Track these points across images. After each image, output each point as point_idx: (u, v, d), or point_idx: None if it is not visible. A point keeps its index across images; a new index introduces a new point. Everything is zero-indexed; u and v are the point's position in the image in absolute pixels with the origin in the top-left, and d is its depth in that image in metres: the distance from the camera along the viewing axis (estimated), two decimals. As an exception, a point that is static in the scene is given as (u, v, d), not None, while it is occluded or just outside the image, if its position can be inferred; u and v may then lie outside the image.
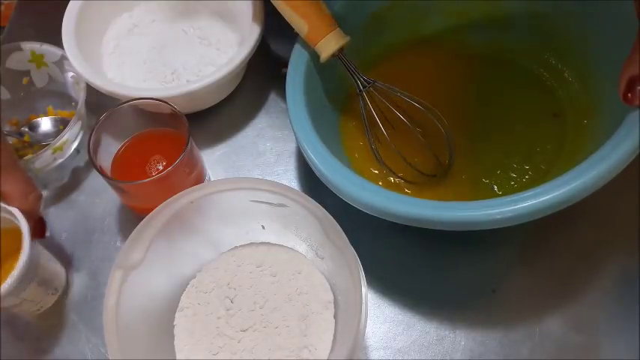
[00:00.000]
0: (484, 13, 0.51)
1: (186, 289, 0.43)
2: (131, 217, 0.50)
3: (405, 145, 0.46)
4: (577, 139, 0.46)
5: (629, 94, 0.34)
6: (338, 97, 0.51)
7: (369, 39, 0.51)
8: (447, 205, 0.37)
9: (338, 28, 0.45)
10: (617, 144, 0.35)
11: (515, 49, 0.52)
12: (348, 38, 0.45)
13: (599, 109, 0.45)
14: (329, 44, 0.44)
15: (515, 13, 0.51)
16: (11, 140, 0.54)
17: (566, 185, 0.35)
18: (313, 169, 0.42)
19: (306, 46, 0.46)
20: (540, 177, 0.45)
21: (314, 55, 0.46)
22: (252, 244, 0.45)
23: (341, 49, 0.45)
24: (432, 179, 0.46)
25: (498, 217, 0.35)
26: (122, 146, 0.48)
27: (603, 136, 0.43)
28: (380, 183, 0.47)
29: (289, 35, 0.60)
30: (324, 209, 0.37)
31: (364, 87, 0.46)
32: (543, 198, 0.35)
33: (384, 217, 0.39)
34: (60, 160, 0.51)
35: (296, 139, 0.43)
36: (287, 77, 0.46)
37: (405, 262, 0.46)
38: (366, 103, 0.46)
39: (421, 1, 0.51)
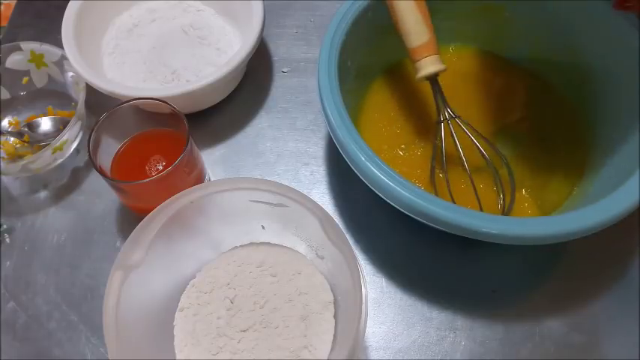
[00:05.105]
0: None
1: (186, 289, 0.43)
2: (131, 217, 0.50)
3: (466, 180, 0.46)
4: (568, 172, 0.46)
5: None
6: (360, 87, 0.50)
7: (385, 43, 0.50)
8: (487, 218, 0.37)
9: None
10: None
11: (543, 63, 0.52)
12: (446, 66, 0.44)
13: (595, 141, 0.47)
14: (434, 63, 0.43)
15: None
16: (11, 140, 0.54)
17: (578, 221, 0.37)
18: (345, 157, 0.40)
19: (338, 30, 0.44)
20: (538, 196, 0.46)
21: (346, 40, 0.45)
22: (252, 244, 0.45)
23: (437, 74, 0.44)
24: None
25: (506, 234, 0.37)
26: (122, 146, 0.48)
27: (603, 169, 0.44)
28: None
29: (289, 35, 0.61)
30: (324, 209, 0.37)
31: (450, 117, 0.45)
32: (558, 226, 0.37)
33: (417, 217, 0.38)
34: (60, 160, 0.51)
35: (328, 124, 0.41)
36: (318, 63, 0.43)
37: (405, 263, 0.46)
38: (448, 134, 0.45)
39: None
